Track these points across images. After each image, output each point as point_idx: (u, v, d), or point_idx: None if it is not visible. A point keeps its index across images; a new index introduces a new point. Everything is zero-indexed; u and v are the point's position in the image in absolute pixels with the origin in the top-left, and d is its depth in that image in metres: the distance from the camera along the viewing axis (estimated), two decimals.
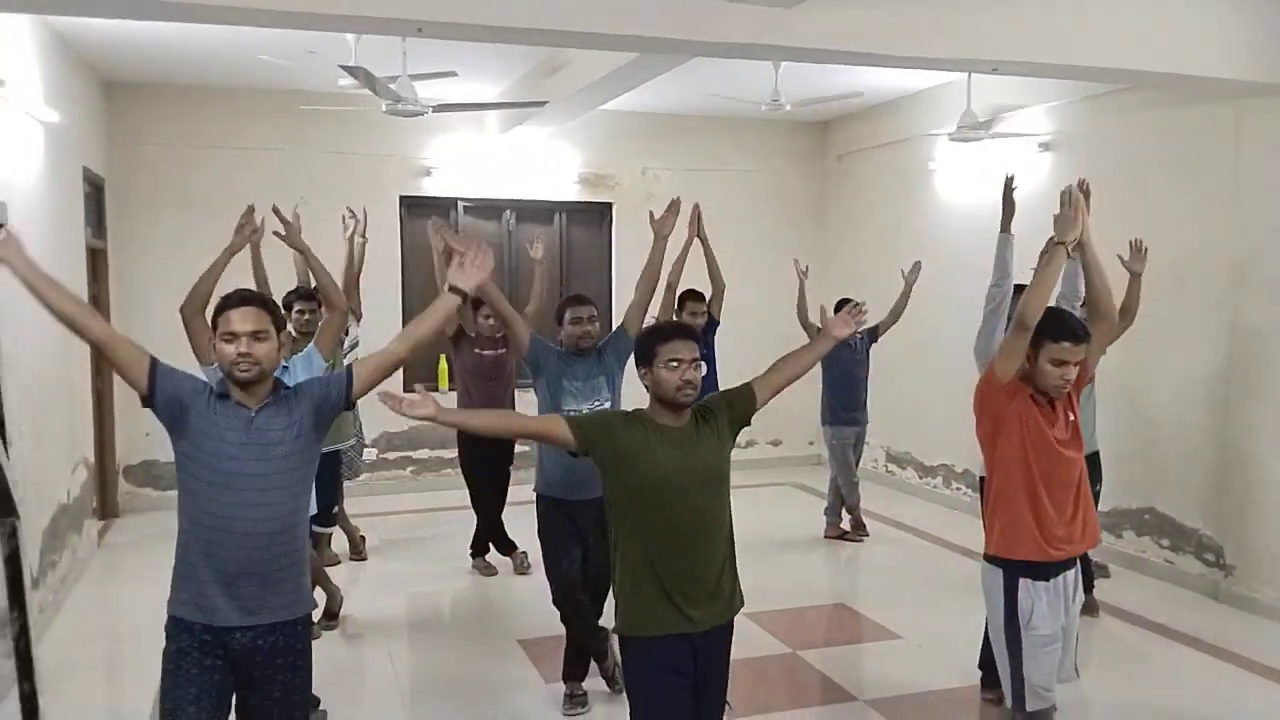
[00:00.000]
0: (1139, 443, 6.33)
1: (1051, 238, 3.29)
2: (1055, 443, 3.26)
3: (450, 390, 8.31)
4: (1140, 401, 6.33)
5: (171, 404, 2.77)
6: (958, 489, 8.07)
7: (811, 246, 9.82)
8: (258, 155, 8.14)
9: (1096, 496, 5.61)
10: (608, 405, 4.29)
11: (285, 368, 3.89)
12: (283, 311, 2.97)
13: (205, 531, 2.75)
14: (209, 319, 2.91)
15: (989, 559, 3.40)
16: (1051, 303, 3.61)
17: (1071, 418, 3.33)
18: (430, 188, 8.72)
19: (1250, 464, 5.72)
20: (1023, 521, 3.26)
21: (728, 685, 3.13)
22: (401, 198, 8.67)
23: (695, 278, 6.22)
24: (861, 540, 7.26)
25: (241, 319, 2.77)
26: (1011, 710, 3.38)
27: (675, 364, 2.95)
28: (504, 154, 8.83)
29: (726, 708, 3.19)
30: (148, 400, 2.78)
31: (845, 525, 7.34)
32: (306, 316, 5.35)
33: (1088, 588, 5.60)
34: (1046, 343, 3.21)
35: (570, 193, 9.19)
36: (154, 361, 2.80)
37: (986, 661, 4.11)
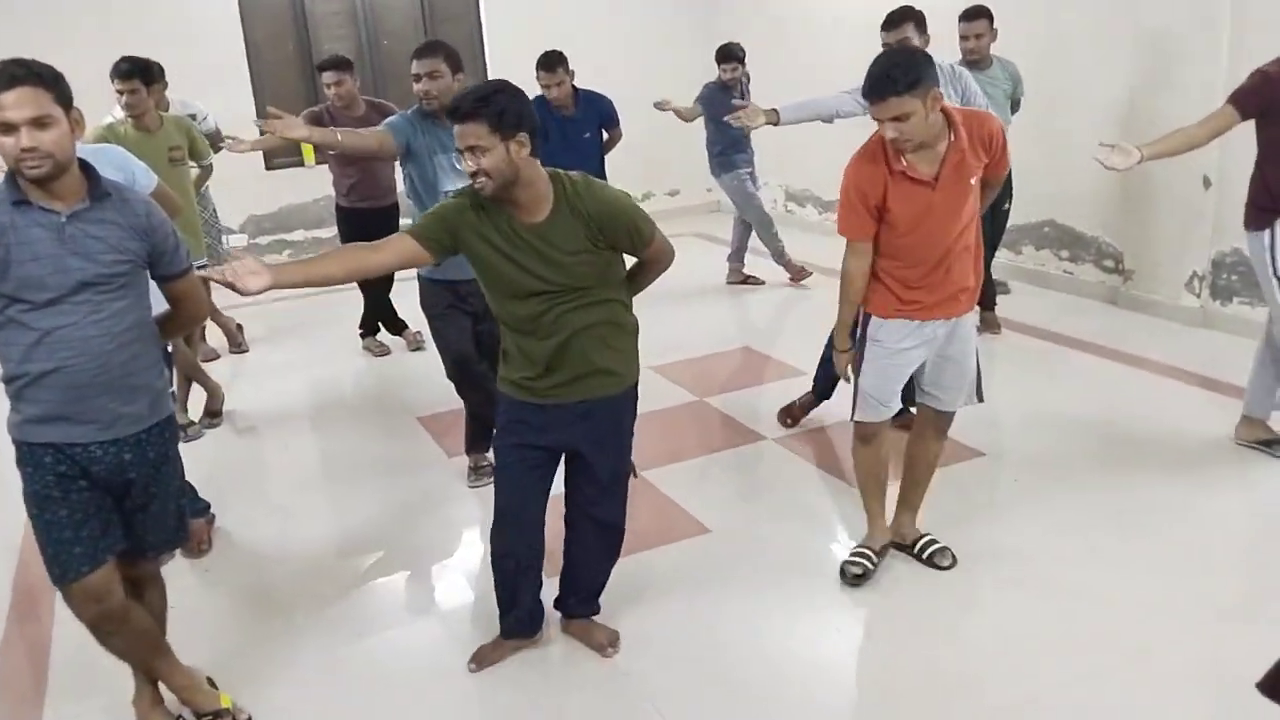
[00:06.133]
0: (1042, 157, 6.16)
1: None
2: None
3: (319, 164, 7.68)
4: (1045, 116, 6.11)
5: None
6: None
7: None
8: None
9: (1006, 215, 5.53)
10: None
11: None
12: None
13: (42, 351, 2.31)
14: None
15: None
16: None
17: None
18: None
19: (1149, 169, 5.60)
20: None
21: (623, 452, 2.94)
22: None
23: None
24: (763, 283, 7.14)
25: (17, 104, 2.17)
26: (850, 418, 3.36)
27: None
28: None
29: (632, 470, 3.06)
30: None
31: (748, 270, 7.20)
32: (126, 98, 4.71)
33: (989, 305, 5.60)
34: None
35: None
36: None
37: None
